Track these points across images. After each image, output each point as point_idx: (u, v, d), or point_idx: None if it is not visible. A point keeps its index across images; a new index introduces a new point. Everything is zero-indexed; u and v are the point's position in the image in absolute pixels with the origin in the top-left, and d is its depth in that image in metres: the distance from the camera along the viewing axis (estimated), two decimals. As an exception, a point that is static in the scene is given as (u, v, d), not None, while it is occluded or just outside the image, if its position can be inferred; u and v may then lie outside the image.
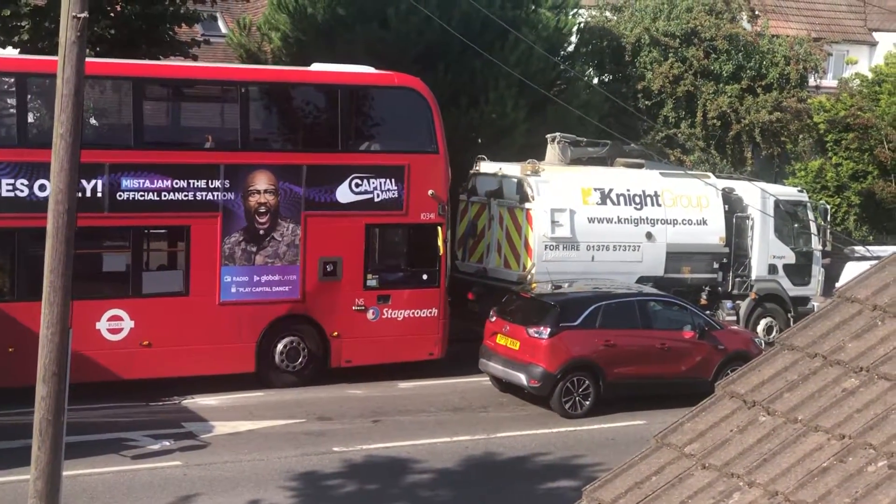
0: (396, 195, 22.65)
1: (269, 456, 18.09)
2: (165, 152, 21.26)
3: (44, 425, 11.10)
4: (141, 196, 20.63)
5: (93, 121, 21.68)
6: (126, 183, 20.51)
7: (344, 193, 22.23)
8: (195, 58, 27.82)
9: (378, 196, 22.51)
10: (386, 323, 22.79)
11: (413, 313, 22.98)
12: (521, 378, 21.41)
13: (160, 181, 20.74)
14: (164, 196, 20.80)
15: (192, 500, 16.05)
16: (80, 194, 19.51)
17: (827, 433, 4.99)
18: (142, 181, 20.62)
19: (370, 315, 22.67)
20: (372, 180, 22.41)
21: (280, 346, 22.08)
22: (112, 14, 25.77)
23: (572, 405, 21.31)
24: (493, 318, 22.30)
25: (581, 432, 20.55)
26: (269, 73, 24.27)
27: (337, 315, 22.36)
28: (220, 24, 35.98)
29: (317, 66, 23.42)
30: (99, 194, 20.28)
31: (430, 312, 23.08)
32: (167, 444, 18.42)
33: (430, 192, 22.78)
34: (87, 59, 19.04)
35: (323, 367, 22.49)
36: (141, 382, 20.82)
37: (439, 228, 22.97)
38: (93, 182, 20.12)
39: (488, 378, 22.79)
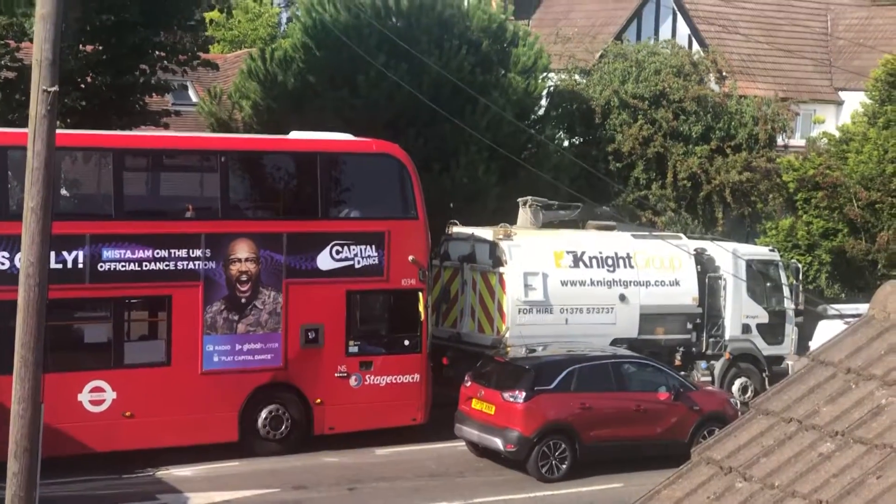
0: (377, 261, 22.66)
1: (244, 527, 17.94)
2: (146, 222, 21.23)
3: (16, 502, 10.98)
4: (122, 266, 20.58)
5: (73, 192, 21.68)
6: (107, 253, 20.46)
7: (325, 260, 22.23)
8: (166, 127, 27.87)
9: (359, 262, 22.51)
10: (369, 389, 22.72)
11: (395, 379, 22.91)
12: (498, 442, 21.34)
13: (141, 251, 20.71)
14: (146, 266, 20.76)
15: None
16: (60, 265, 19.73)
17: (804, 499, 4.98)
18: (123, 251, 20.58)
19: (353, 382, 22.59)
20: (352, 247, 22.42)
21: (263, 415, 21.96)
22: (83, 85, 25.82)
23: (549, 469, 21.23)
24: (468, 383, 22.25)
25: (558, 496, 20.46)
26: (248, 142, 24.34)
27: (319, 382, 22.28)
28: (191, 93, 36.06)
29: (295, 135, 23.51)
30: (80, 265, 20.23)
31: (413, 378, 23.03)
32: (142, 516, 18.25)
33: (410, 257, 22.80)
34: (69, 132, 19.12)
35: (306, 435, 22.36)
36: (115, 454, 20.63)
37: (420, 294, 22.97)
38: (74, 253, 20.08)
39: (464, 443, 22.70)
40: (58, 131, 11.44)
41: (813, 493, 4.96)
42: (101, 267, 20.42)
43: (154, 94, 27.42)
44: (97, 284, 20.42)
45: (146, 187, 23.07)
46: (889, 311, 5.65)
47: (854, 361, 5.50)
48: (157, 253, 20.85)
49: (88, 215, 20.97)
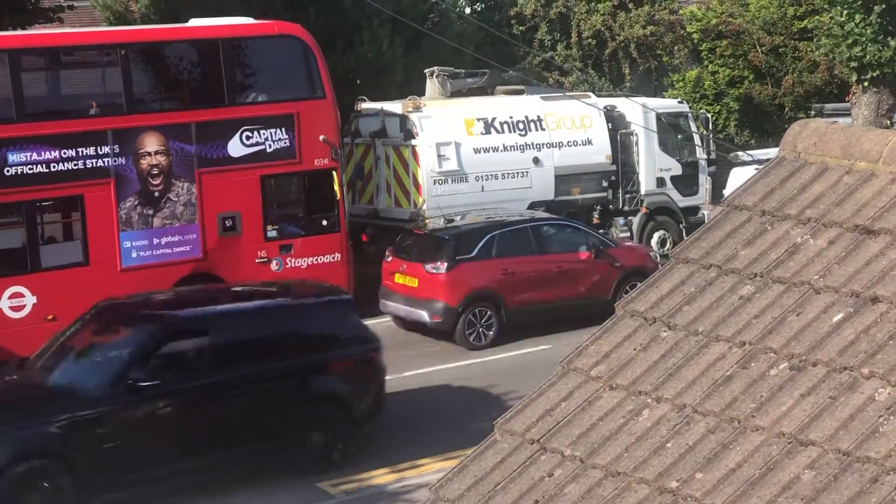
0: (288, 144, 22.50)
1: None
2: (50, 122, 20.85)
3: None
4: (30, 169, 20.26)
5: None
6: (13, 157, 20.11)
7: (236, 147, 22.03)
8: (61, 23, 27.27)
9: (270, 146, 22.35)
10: (291, 272, 22.68)
11: (316, 260, 22.89)
12: (423, 315, 21.48)
13: (48, 152, 20.37)
14: (54, 167, 20.45)
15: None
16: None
17: (728, 342, 5.05)
18: (29, 154, 20.23)
19: (274, 266, 22.55)
20: (262, 131, 22.23)
21: None
22: (-30, -14, 25.16)
23: (476, 337, 21.43)
24: (389, 258, 22.32)
25: (488, 363, 20.68)
26: (147, 33, 23.90)
27: (241, 269, 22.20)
28: (84, -13, 35.21)
29: (195, 22, 23.14)
30: None
31: (334, 258, 23.02)
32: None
33: (321, 137, 22.66)
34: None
35: (231, 323, 22.31)
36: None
37: (334, 173, 22.89)
38: None
39: (390, 318, 22.81)
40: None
41: (736, 336, 5.03)
42: (8, 171, 20.08)
43: (46, -10, 26.79)
44: (5, 189, 20.08)
45: (47, 87, 22.62)
46: (799, 150, 5.70)
47: (768, 203, 5.55)
48: (65, 153, 20.53)
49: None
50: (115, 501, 14.53)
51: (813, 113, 32.28)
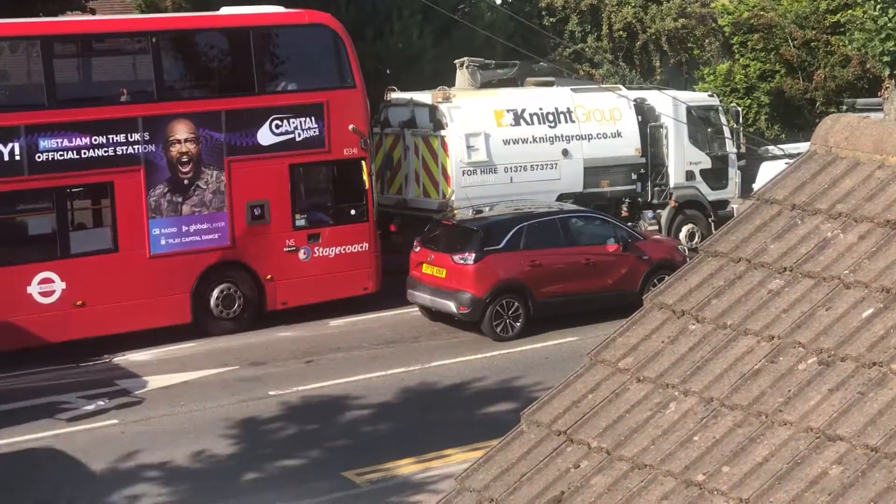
0: (318, 133, 22.55)
1: (205, 406, 18.04)
2: (81, 109, 20.93)
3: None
4: (61, 155, 20.36)
5: (3, 83, 21.34)
6: (44, 143, 20.22)
7: (265, 136, 22.09)
8: (93, 11, 27.39)
9: (299, 135, 22.40)
10: (318, 261, 22.75)
11: (344, 249, 22.95)
12: (451, 305, 21.47)
13: (78, 139, 20.48)
14: (84, 154, 20.55)
15: (133, 457, 15.98)
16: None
17: (756, 335, 5.03)
18: (60, 140, 20.34)
19: (302, 255, 22.61)
20: (292, 120, 22.29)
21: (215, 294, 21.96)
22: (3, -28, 25.24)
23: (503, 328, 21.41)
24: (417, 249, 22.31)
25: (515, 354, 20.67)
26: (179, 20, 24.02)
27: (269, 258, 22.29)
28: (116, -25, 35.34)
29: (226, 10, 23.21)
30: (17, 157, 19.98)
31: (362, 247, 23.07)
32: (102, 403, 18.31)
33: (350, 126, 22.70)
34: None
35: (259, 311, 22.42)
36: (69, 344, 20.62)
37: (363, 162, 22.94)
38: (10, 145, 19.84)
39: (417, 309, 22.83)
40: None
41: (765, 330, 5.01)
42: (39, 157, 20.19)
43: (79, -22, 26.89)
44: (37, 175, 20.20)
45: (78, 74, 22.73)
46: (830, 145, 5.67)
47: (798, 197, 5.52)
48: (95, 140, 20.63)
49: (21, 106, 20.67)
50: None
51: (844, 108, 32.12)
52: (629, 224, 24.75)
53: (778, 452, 4.52)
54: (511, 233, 21.62)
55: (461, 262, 21.34)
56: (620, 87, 28.53)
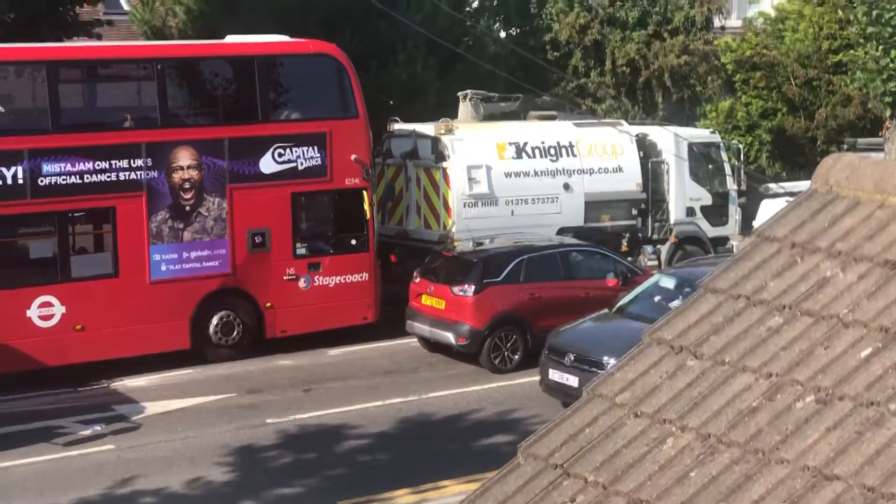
0: (320, 162, 22.61)
1: (202, 433, 18.02)
2: (85, 134, 20.98)
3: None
4: (63, 180, 20.40)
5: (8, 107, 21.40)
6: (47, 168, 20.27)
7: (267, 164, 22.14)
8: (99, 37, 27.45)
9: (302, 164, 22.45)
10: (318, 290, 22.77)
11: (344, 279, 22.97)
12: (449, 337, 21.48)
13: (82, 164, 20.53)
14: (87, 178, 20.60)
15: (129, 483, 15.95)
16: (0, 182, 19.58)
17: (755, 373, 5.04)
18: (63, 165, 20.38)
19: (302, 284, 22.63)
20: (294, 149, 22.34)
21: (214, 321, 21.97)
22: (11, -3, 25.35)
23: (501, 360, 21.41)
24: (417, 279, 22.33)
25: (512, 387, 20.65)
26: (184, 48, 24.07)
27: (269, 286, 22.31)
28: (122, 1, 35.45)
29: (231, 38, 23.29)
30: (20, 181, 20.02)
31: (362, 277, 23.09)
32: (98, 428, 18.29)
33: (353, 156, 22.75)
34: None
35: (258, 339, 22.41)
36: (67, 368, 20.61)
37: (364, 193, 22.98)
38: (13, 169, 19.88)
39: (416, 339, 22.82)
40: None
41: (763, 367, 5.02)
42: (42, 181, 20.24)
43: (85, 3, 26.94)
44: (39, 199, 20.23)
45: (83, 99, 22.78)
46: (831, 183, 5.69)
47: (798, 235, 5.54)
48: (98, 165, 20.68)
49: (25, 130, 20.72)
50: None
51: (846, 147, 32.14)
52: (629, 259, 24.77)
53: (774, 491, 4.52)
54: (511, 265, 21.64)
55: (460, 293, 21.35)
56: (623, 122, 28.59)
